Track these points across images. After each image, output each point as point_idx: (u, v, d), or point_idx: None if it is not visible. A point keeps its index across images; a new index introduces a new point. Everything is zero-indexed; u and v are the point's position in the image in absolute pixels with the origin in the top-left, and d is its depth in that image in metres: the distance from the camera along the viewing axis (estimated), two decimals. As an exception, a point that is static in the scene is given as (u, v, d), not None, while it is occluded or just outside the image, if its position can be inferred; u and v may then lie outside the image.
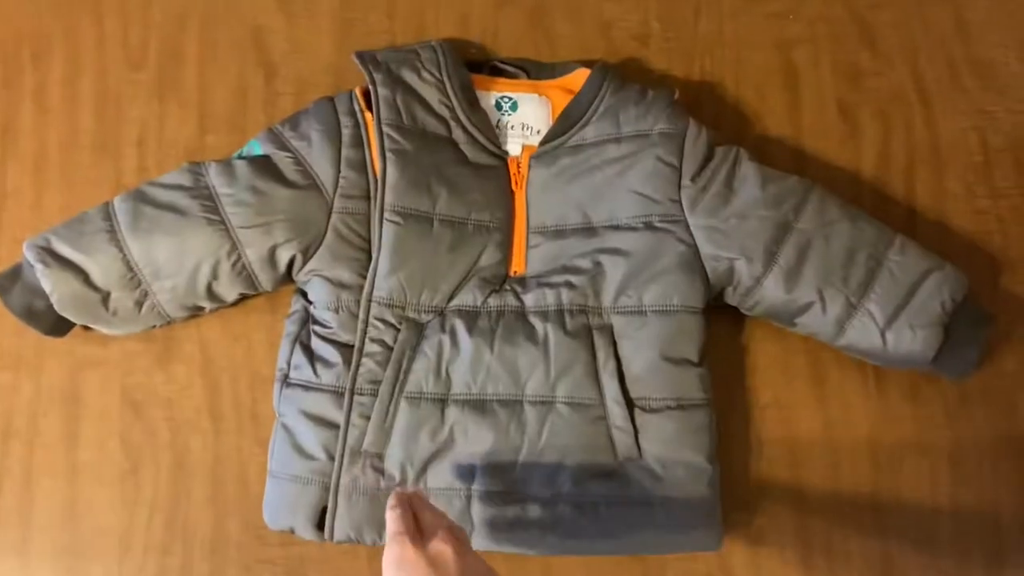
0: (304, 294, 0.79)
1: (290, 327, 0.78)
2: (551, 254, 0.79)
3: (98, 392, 0.82)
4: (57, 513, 0.80)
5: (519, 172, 0.82)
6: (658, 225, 0.78)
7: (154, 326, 0.81)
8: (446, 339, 0.76)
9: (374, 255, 0.77)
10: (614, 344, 0.76)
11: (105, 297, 0.76)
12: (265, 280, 0.79)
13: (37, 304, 0.76)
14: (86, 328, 0.80)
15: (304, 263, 0.77)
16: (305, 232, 0.77)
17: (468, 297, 0.77)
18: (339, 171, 0.78)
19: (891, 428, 0.81)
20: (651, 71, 0.90)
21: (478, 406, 0.75)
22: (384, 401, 0.74)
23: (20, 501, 0.80)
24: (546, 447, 0.74)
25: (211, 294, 0.78)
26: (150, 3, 0.91)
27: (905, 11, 0.91)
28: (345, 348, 0.76)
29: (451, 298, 0.78)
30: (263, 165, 0.78)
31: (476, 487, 0.73)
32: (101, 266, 0.75)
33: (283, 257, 0.77)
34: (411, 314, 0.77)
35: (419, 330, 0.76)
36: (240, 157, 0.80)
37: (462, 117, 0.81)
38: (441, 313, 0.77)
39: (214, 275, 0.77)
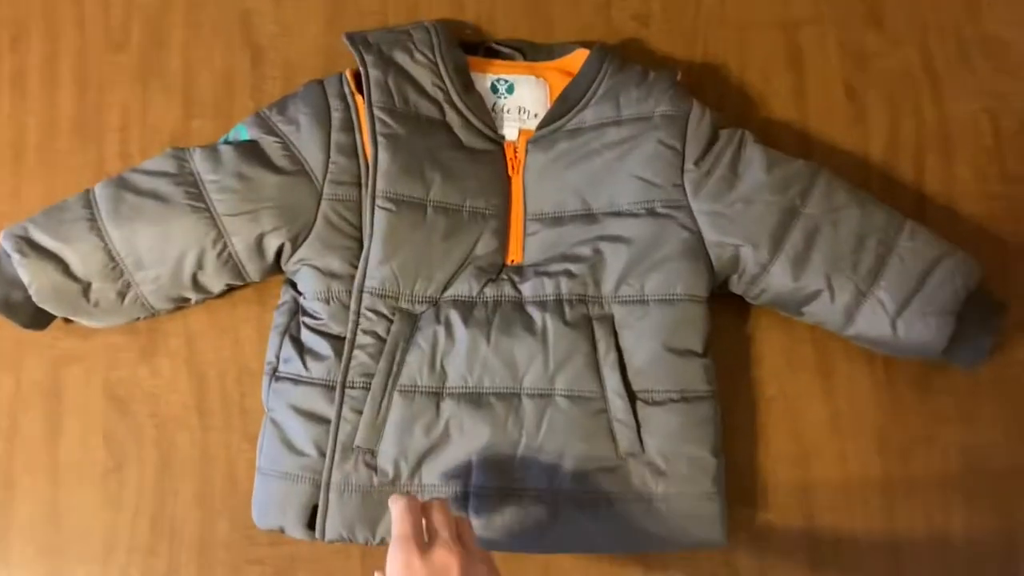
0: (293, 284, 0.77)
1: (279, 319, 0.76)
2: (549, 242, 0.77)
3: (80, 387, 0.80)
4: (38, 513, 0.78)
5: (516, 157, 0.79)
6: (660, 211, 0.76)
7: (138, 318, 0.79)
8: (441, 330, 0.74)
9: (366, 243, 0.75)
10: (615, 335, 0.74)
11: (86, 288, 0.74)
12: (253, 270, 0.76)
13: (15, 296, 0.74)
14: (67, 321, 0.78)
15: (293, 252, 0.75)
16: (294, 220, 0.75)
17: (463, 287, 0.75)
18: (329, 156, 0.76)
19: (900, 419, 0.80)
20: (652, 53, 0.88)
21: (474, 400, 0.73)
22: (377, 395, 0.72)
23: (0, 501, 0.78)
24: (545, 442, 0.72)
25: (197, 285, 0.76)
26: (132, -18, 0.88)
27: (913, -12, 0.89)
28: (336, 340, 0.73)
29: (446, 288, 0.75)
30: (250, 150, 0.76)
31: (472, 484, 0.71)
32: (81, 255, 0.73)
33: (271, 246, 0.75)
34: (404, 304, 0.75)
35: (413, 321, 0.74)
36: (226, 142, 0.77)
37: (456, 100, 0.78)
38: (435, 303, 0.75)
39: (199, 265, 0.74)
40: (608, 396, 0.73)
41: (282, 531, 0.72)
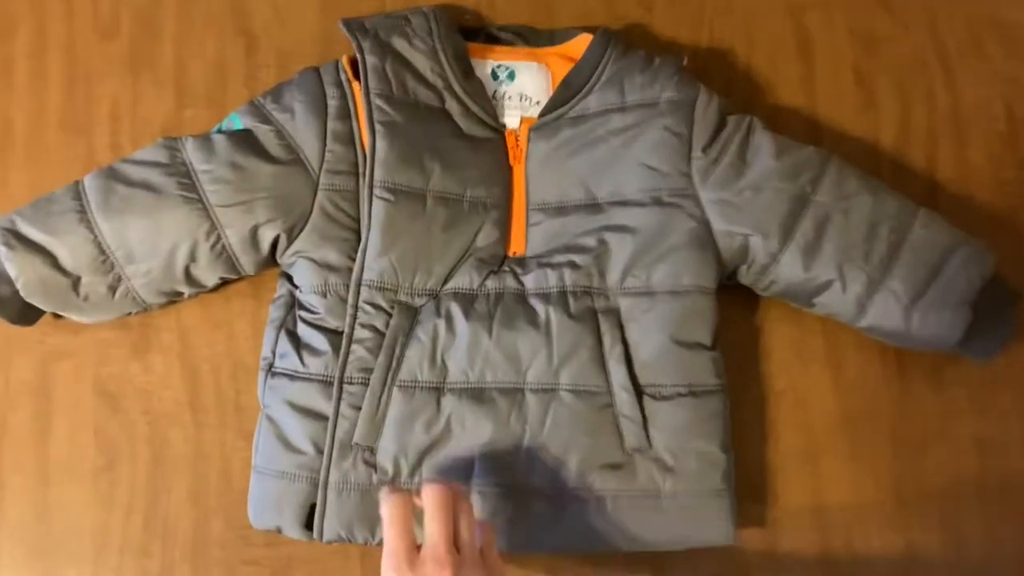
0: (289, 278, 0.75)
1: (275, 313, 0.74)
2: (552, 232, 0.75)
3: (70, 384, 0.78)
4: (28, 513, 0.76)
5: (517, 146, 0.77)
6: (667, 200, 0.74)
7: (129, 313, 0.77)
8: (441, 324, 0.72)
9: (363, 235, 0.73)
10: (621, 327, 0.72)
11: (75, 282, 0.72)
12: (247, 263, 0.74)
13: (2, 290, 0.72)
14: (56, 316, 0.76)
15: (289, 244, 0.73)
16: (289, 211, 0.73)
17: (464, 279, 0.73)
18: (325, 145, 0.74)
19: (914, 414, 0.78)
20: (656, 38, 0.85)
21: (476, 395, 0.71)
22: (376, 391, 0.70)
23: (-12, 501, 0.76)
24: (549, 438, 0.70)
25: (189, 278, 0.74)
26: (121, -31, 0.86)
27: (923, -30, 0.87)
28: (333, 335, 0.72)
29: (446, 280, 0.74)
30: (244, 139, 0.74)
31: (475, 482, 0.69)
32: (70, 248, 0.71)
33: (266, 238, 0.73)
34: (403, 298, 0.73)
35: (412, 315, 0.72)
36: (219, 131, 0.75)
37: (456, 87, 0.76)
38: (435, 296, 0.73)
39: (192, 258, 0.73)
40: (614, 390, 0.71)
41: (279, 531, 0.70)
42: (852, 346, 0.78)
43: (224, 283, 0.77)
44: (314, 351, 0.71)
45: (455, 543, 0.55)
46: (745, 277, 0.75)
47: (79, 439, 0.77)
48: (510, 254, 0.75)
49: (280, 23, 0.85)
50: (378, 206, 0.73)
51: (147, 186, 0.72)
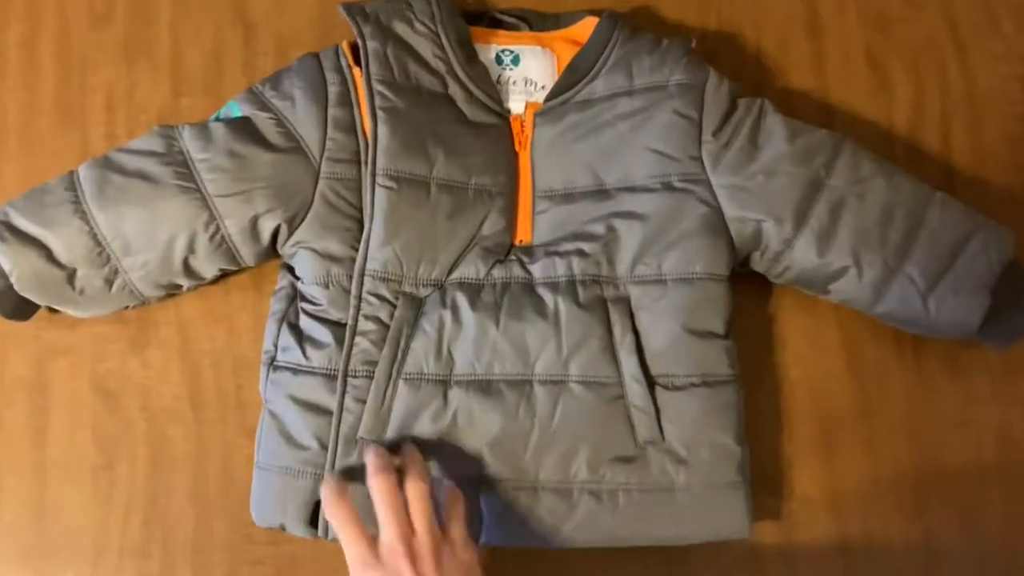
0: (291, 269, 0.74)
1: (276, 305, 0.73)
2: (560, 220, 0.74)
3: (67, 381, 0.76)
4: (24, 513, 0.74)
5: (523, 131, 0.76)
6: (677, 185, 0.72)
7: (127, 307, 0.75)
8: (447, 315, 0.70)
9: (366, 224, 0.71)
10: (631, 317, 0.70)
11: (71, 275, 0.70)
12: (247, 254, 0.73)
13: (-4, 284, 0.70)
14: (52, 311, 0.75)
15: (290, 234, 0.72)
16: (290, 200, 0.71)
17: (470, 269, 0.72)
18: (326, 133, 0.72)
19: (931, 403, 0.76)
20: (663, 20, 0.84)
21: (483, 387, 0.69)
22: (381, 384, 0.69)
23: (-16, 501, 0.75)
24: (559, 431, 0.69)
25: (188, 270, 0.72)
26: (115, -46, 0.84)
27: (935, -52, 0.85)
28: (337, 327, 0.70)
29: (451, 270, 0.72)
30: (242, 127, 0.72)
31: (483, 476, 0.68)
32: (65, 240, 0.69)
33: (266, 228, 0.71)
34: (408, 288, 0.71)
35: (417, 305, 0.71)
36: (217, 119, 0.74)
37: (459, 72, 0.75)
38: (441, 287, 0.72)
39: (190, 249, 0.71)
40: (625, 381, 0.69)
41: (282, 529, 0.69)
42: (868, 334, 0.77)
43: (224, 275, 0.76)
44: (317, 344, 0.70)
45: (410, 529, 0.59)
46: (758, 264, 0.74)
47: (76, 437, 0.75)
48: (516, 242, 0.74)
49: (278, 9, 0.84)
50: (381, 194, 0.71)
51: (143, 176, 0.70)
